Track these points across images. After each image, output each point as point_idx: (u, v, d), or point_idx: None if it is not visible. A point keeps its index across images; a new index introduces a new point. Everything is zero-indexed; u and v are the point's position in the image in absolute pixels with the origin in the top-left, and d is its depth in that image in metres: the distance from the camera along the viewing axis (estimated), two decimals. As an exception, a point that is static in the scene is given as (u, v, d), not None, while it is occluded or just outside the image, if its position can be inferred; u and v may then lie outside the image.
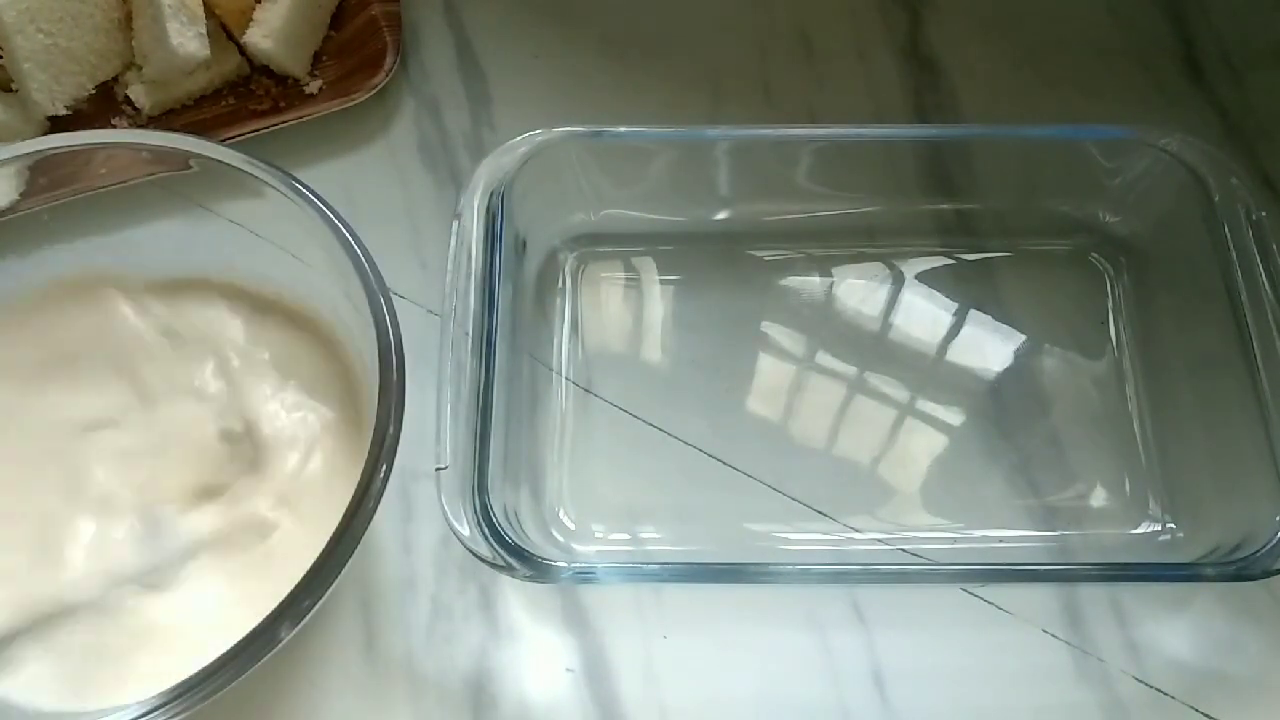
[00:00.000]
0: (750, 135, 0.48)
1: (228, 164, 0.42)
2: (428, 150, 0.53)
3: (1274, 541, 0.39)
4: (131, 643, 0.39)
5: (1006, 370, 0.47)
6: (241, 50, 0.52)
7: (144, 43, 0.50)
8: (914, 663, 0.43)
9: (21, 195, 0.44)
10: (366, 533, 0.36)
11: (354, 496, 0.36)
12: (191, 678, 0.34)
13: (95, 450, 0.42)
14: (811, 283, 0.49)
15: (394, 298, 0.40)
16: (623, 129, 0.46)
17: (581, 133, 0.46)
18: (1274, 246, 0.43)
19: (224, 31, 0.52)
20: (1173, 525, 0.44)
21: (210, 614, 0.39)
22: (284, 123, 0.51)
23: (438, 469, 0.39)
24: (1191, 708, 0.42)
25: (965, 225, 0.50)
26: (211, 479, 0.42)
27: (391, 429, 0.37)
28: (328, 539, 0.36)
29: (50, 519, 0.41)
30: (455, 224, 0.43)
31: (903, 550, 0.44)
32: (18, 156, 0.42)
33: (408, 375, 0.38)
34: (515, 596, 0.44)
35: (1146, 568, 0.42)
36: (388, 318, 0.39)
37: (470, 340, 0.41)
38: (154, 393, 0.43)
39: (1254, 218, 0.44)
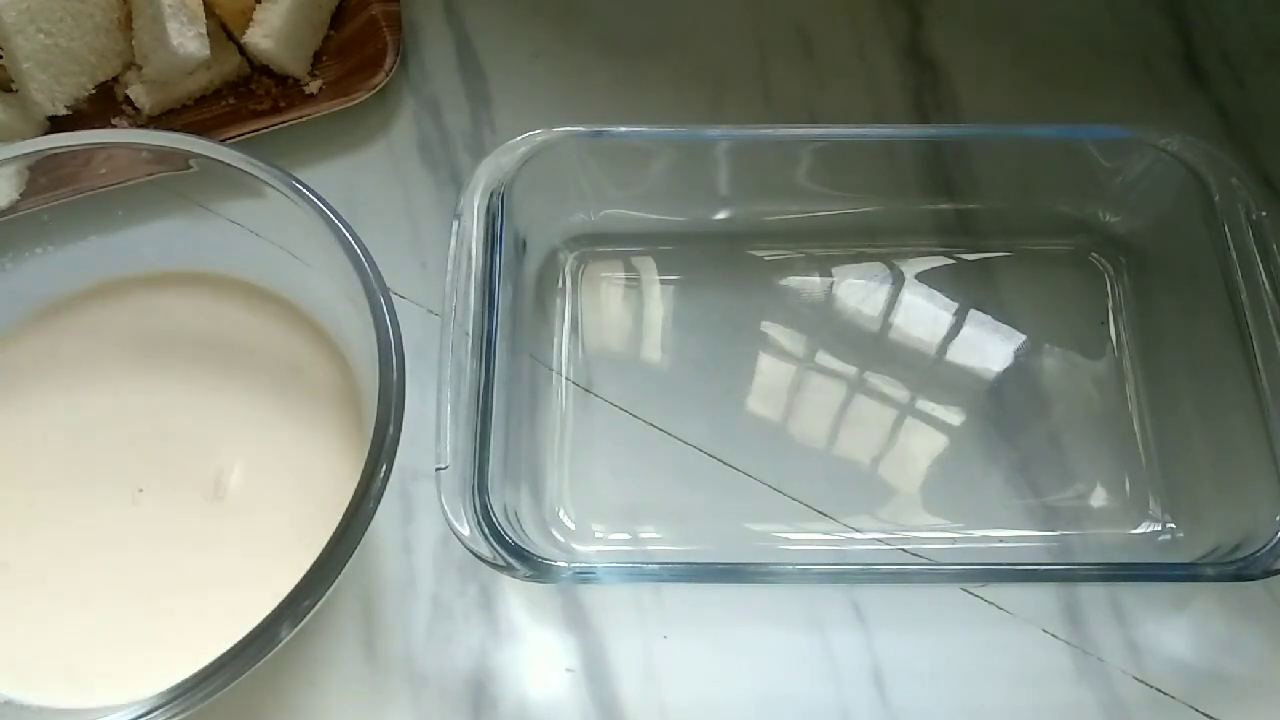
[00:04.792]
0: (750, 135, 0.48)
1: (228, 164, 0.42)
2: (428, 150, 0.53)
3: (1274, 541, 0.39)
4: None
5: (1006, 370, 0.47)
6: (241, 50, 0.52)
7: (144, 43, 0.50)
8: (914, 663, 0.43)
9: (21, 195, 0.44)
10: (366, 533, 0.36)
11: (354, 497, 0.36)
12: (191, 678, 0.34)
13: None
14: (811, 283, 0.49)
15: (394, 298, 0.40)
16: (623, 129, 0.46)
17: (581, 133, 0.46)
18: (1274, 246, 0.43)
19: (224, 31, 0.52)
20: (1173, 525, 0.44)
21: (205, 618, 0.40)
22: (284, 123, 0.51)
23: (438, 469, 0.39)
24: (1191, 708, 0.42)
25: (965, 225, 0.50)
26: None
27: (391, 429, 0.37)
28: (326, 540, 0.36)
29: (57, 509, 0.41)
30: (455, 224, 0.43)
31: (903, 550, 0.44)
32: (18, 156, 0.42)
33: (408, 375, 0.38)
34: (515, 596, 0.44)
35: (1146, 568, 0.42)
36: (388, 318, 0.39)
37: (470, 340, 0.41)
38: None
39: (1254, 218, 0.44)
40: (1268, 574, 0.38)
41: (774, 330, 0.48)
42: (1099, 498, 0.45)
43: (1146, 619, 0.43)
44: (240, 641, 0.35)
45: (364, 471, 0.37)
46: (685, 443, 0.46)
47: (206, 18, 0.50)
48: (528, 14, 0.56)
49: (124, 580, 0.40)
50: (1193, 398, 0.45)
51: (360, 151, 0.52)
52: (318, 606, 0.36)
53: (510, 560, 0.38)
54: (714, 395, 0.47)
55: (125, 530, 0.41)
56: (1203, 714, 0.42)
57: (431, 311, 0.48)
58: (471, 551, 0.38)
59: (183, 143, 0.42)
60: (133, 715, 0.34)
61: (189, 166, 0.43)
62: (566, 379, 0.47)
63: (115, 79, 0.52)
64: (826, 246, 0.50)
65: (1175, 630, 0.43)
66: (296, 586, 0.35)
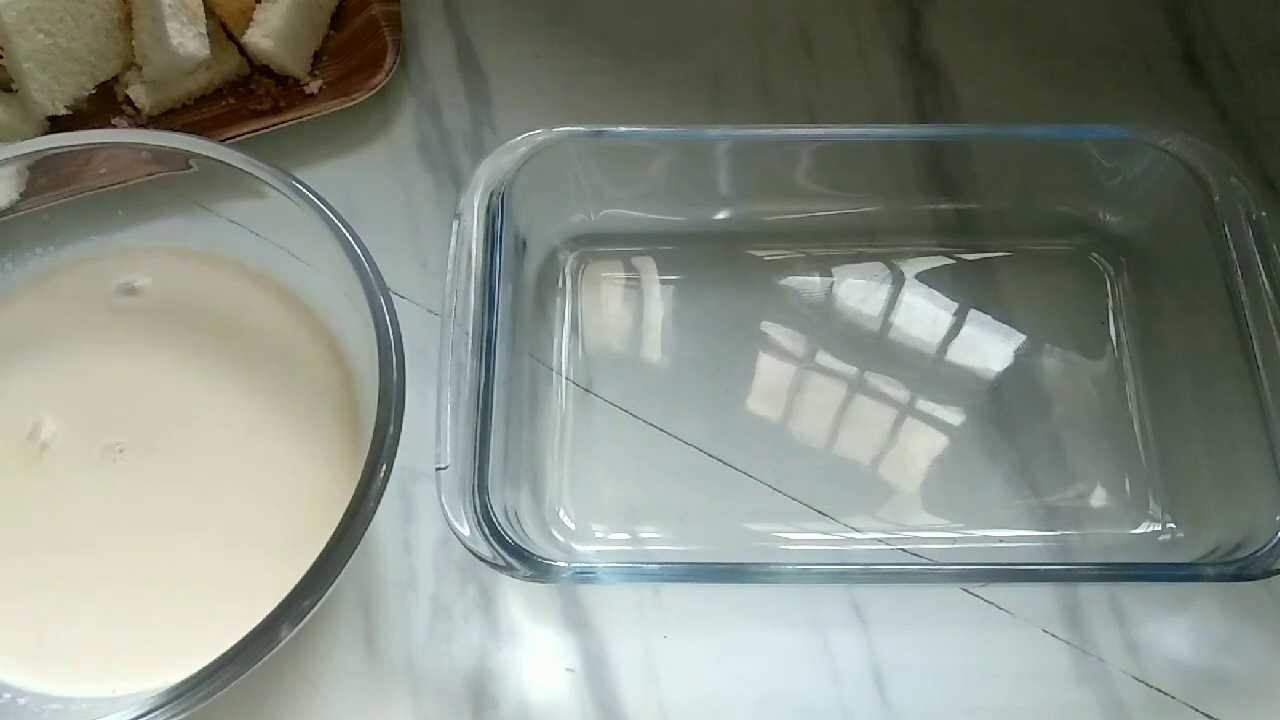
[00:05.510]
0: (750, 135, 0.48)
1: (228, 164, 0.42)
2: (428, 150, 0.53)
3: (1274, 541, 0.39)
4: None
5: (1006, 370, 0.47)
6: (241, 50, 0.52)
7: (144, 43, 0.50)
8: (914, 663, 0.43)
9: (21, 195, 0.44)
10: (366, 533, 0.36)
11: (354, 496, 0.37)
12: (191, 678, 0.34)
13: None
14: (811, 283, 0.49)
15: (394, 298, 0.40)
16: (623, 129, 0.46)
17: (581, 133, 0.46)
18: (1274, 246, 0.43)
19: (224, 31, 0.52)
20: (1173, 525, 0.44)
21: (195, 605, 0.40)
22: (284, 123, 0.51)
23: (438, 469, 0.39)
24: (1191, 708, 0.42)
25: (965, 225, 0.50)
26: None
27: (391, 429, 0.38)
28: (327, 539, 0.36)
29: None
30: (455, 224, 0.43)
31: (903, 550, 0.44)
32: (18, 156, 0.43)
33: (408, 375, 0.38)
34: (515, 596, 0.44)
35: (1146, 568, 0.42)
36: (388, 318, 0.39)
37: (470, 340, 0.41)
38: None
39: (1254, 218, 0.44)
40: (1268, 574, 0.38)
41: (774, 330, 0.48)
42: (1099, 498, 0.45)
43: (1146, 619, 0.43)
44: (240, 641, 0.35)
45: (364, 471, 0.37)
46: (685, 443, 0.46)
47: (206, 18, 0.50)
48: (528, 14, 0.56)
49: (119, 573, 0.40)
50: (1193, 397, 0.45)
51: (360, 151, 0.52)
52: (318, 606, 0.36)
53: (510, 560, 0.38)
54: (714, 395, 0.47)
55: (122, 527, 0.41)
56: (1203, 714, 0.42)
57: (431, 311, 0.48)
58: (471, 551, 0.38)
59: (183, 143, 0.43)
60: (133, 715, 0.34)
61: (189, 166, 0.43)
62: (566, 379, 0.47)
63: (115, 79, 0.52)
64: (826, 246, 0.50)
65: (1175, 630, 0.43)
66: (296, 586, 0.35)
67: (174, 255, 0.45)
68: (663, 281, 0.49)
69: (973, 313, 0.48)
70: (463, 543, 0.38)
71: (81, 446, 0.42)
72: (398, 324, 0.39)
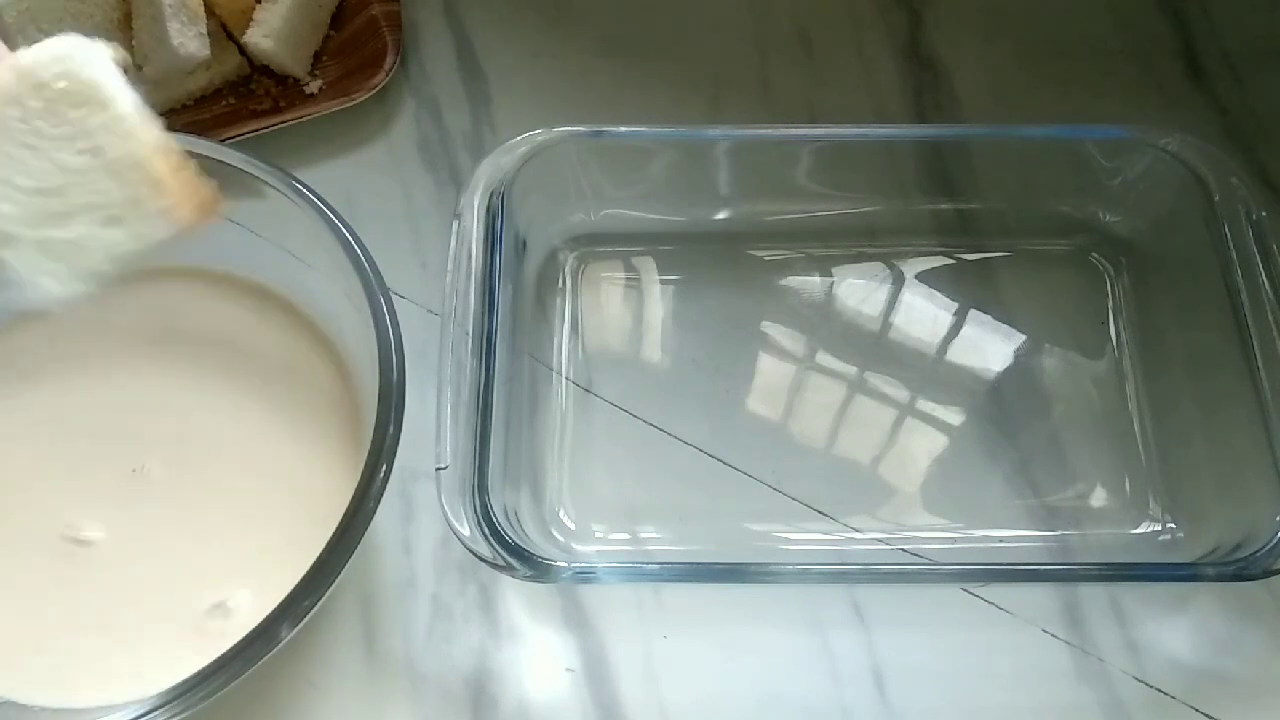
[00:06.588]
0: (750, 135, 0.48)
1: (228, 164, 0.42)
2: (428, 150, 0.53)
3: (1274, 541, 0.39)
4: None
5: (1006, 370, 0.47)
6: (241, 50, 0.52)
7: (144, 43, 0.50)
8: (914, 663, 0.43)
9: (22, 195, 0.44)
10: (366, 533, 0.36)
11: (354, 496, 0.37)
12: (191, 678, 0.34)
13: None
14: (811, 283, 0.49)
15: (394, 298, 0.40)
16: (623, 129, 0.46)
17: (581, 133, 0.46)
18: (1274, 246, 0.43)
19: (224, 31, 0.52)
20: (1173, 525, 0.44)
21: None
22: (284, 123, 0.51)
23: (438, 469, 0.39)
24: (1191, 708, 0.42)
25: (965, 225, 0.50)
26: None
27: (391, 429, 0.38)
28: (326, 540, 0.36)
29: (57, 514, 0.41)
30: (455, 224, 0.43)
31: (903, 550, 0.44)
32: (19, 156, 0.42)
33: (408, 375, 0.38)
34: (515, 596, 0.44)
35: (1146, 568, 0.42)
36: (388, 318, 0.39)
37: (470, 340, 0.41)
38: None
39: (1254, 218, 0.44)
40: (1268, 574, 0.39)
41: (774, 330, 0.48)
42: (1099, 498, 0.45)
43: (1146, 619, 0.43)
44: (240, 641, 0.35)
45: (364, 471, 0.37)
46: (685, 443, 0.46)
47: (207, 18, 0.50)
48: (528, 14, 0.56)
49: (119, 579, 0.40)
50: (1193, 397, 0.45)
51: (360, 151, 0.52)
52: (318, 606, 0.36)
53: (510, 560, 0.38)
54: (714, 395, 0.47)
55: (121, 528, 0.41)
56: (1203, 714, 0.42)
57: (431, 311, 0.48)
58: (471, 551, 0.38)
59: (183, 143, 0.42)
60: (133, 715, 0.34)
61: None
62: (566, 379, 0.47)
63: (115, 79, 0.52)
64: (826, 246, 0.50)
65: (1175, 630, 0.43)
66: (296, 586, 0.35)
67: (175, 276, 0.45)
68: (663, 281, 0.49)
69: (973, 313, 0.48)
70: (463, 543, 0.38)
71: (74, 443, 0.42)
72: (398, 324, 0.39)
